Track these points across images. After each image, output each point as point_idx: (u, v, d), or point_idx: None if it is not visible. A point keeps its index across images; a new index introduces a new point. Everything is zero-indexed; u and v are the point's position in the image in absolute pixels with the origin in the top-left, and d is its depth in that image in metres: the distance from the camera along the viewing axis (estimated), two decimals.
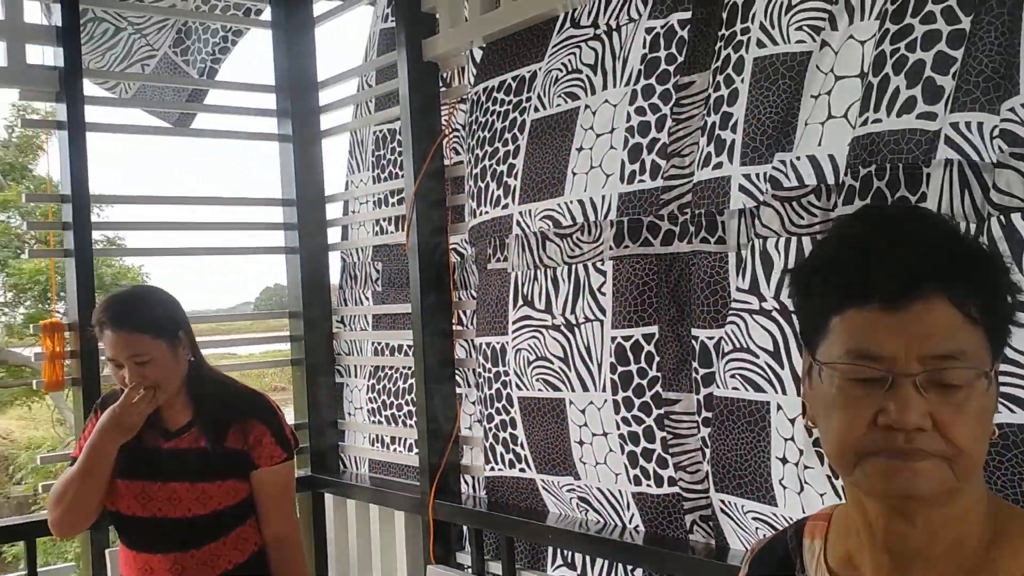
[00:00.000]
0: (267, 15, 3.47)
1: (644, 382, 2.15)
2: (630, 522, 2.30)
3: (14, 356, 13.65)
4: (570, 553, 2.52)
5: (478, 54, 2.71)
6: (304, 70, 3.44)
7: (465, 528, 2.89)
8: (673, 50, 2.13)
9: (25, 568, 2.86)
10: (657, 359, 2.13)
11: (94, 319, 2.08)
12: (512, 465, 2.60)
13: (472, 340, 2.82)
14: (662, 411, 2.13)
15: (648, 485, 2.20)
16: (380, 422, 3.27)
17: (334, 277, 3.53)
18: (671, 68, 2.13)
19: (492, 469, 2.68)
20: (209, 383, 2.17)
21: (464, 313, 2.94)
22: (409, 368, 3.13)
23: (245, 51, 3.61)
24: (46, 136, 13.65)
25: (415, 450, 3.07)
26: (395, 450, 3.22)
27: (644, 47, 2.19)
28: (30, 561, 2.86)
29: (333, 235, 3.49)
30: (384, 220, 3.26)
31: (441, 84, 2.94)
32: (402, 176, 3.04)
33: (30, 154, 14.16)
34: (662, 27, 2.17)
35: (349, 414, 3.45)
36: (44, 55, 2.99)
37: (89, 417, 2.23)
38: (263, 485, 2.14)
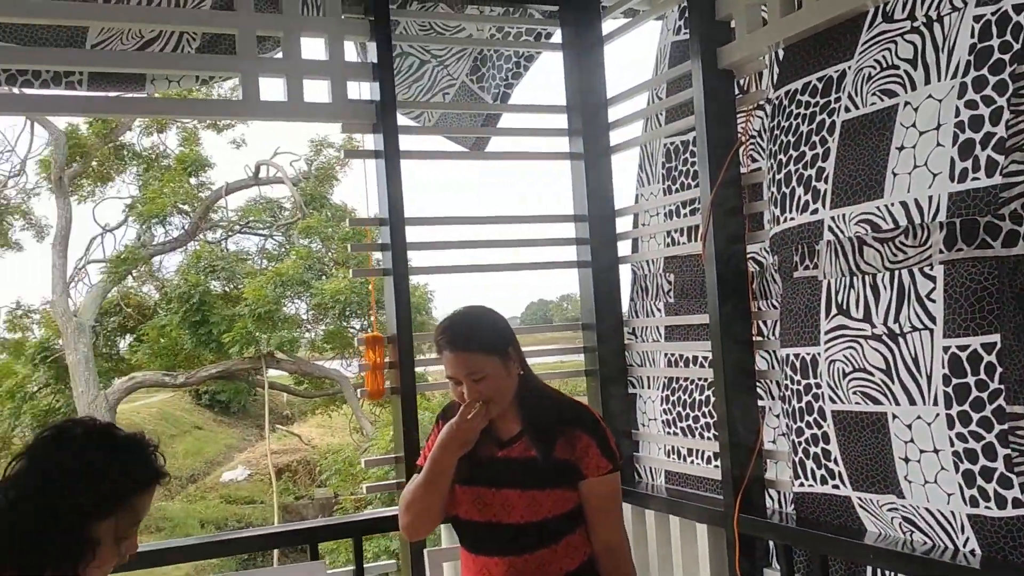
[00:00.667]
0: (557, 37, 3.59)
1: (984, 395, 2.00)
2: (964, 545, 2.14)
3: (317, 369, 14.94)
4: (892, 574, 2.38)
5: (780, 56, 2.65)
6: (594, 88, 3.52)
7: (771, 544, 2.82)
8: (1008, 37, 1.97)
9: (353, 563, 3.13)
10: (999, 370, 1.96)
11: (434, 339, 2.24)
12: (824, 481, 2.50)
13: (775, 351, 2.74)
14: (1005, 426, 1.97)
15: (987, 507, 2.04)
16: (676, 433, 3.26)
17: (625, 289, 3.58)
18: (1006, 57, 1.97)
19: (801, 484, 2.59)
20: (537, 395, 2.26)
21: (764, 323, 2.87)
22: (705, 380, 3.10)
23: (536, 74, 3.75)
24: (340, 167, 14.91)
25: (714, 462, 3.03)
26: (692, 462, 3.20)
27: (972, 36, 2.05)
28: (357, 557, 3.12)
29: (623, 248, 3.54)
30: (675, 231, 3.26)
31: (736, 91, 2.91)
32: (695, 186, 3.02)
33: (327, 184, 15.50)
34: (993, 13, 2.01)
35: (643, 425, 3.47)
36: (360, 90, 3.27)
37: (432, 427, 2.39)
38: (591, 495, 2.20)
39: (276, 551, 11.11)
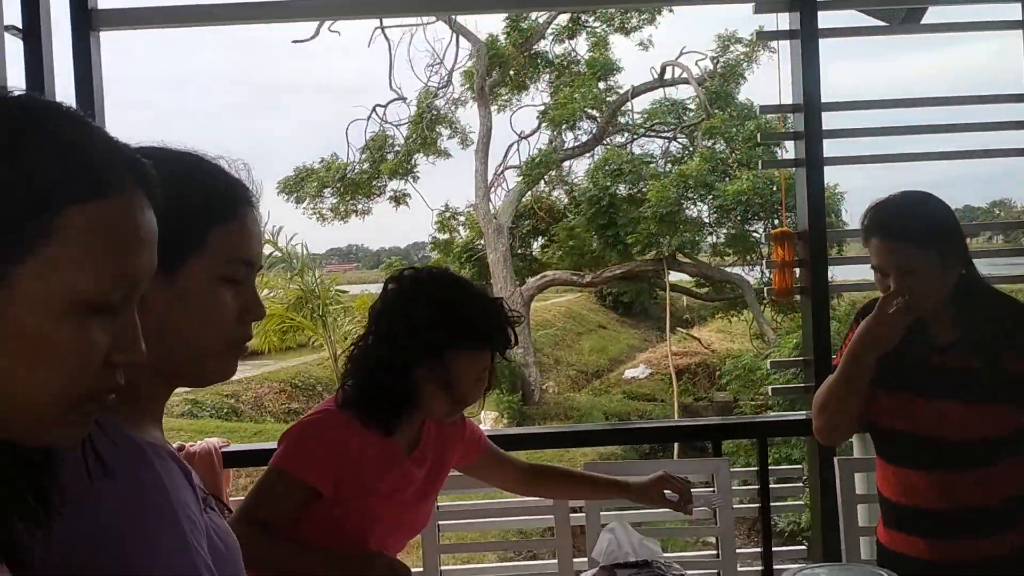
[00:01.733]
0: None
1: None
2: None
3: (718, 272, 14.88)
4: None
5: None
6: None
7: None
8: None
9: (756, 464, 3.03)
10: None
11: (861, 223, 2.00)
12: None
13: None
14: None
15: None
16: None
17: None
18: None
19: None
20: (983, 299, 1.96)
21: None
22: None
23: None
24: (747, 63, 14.40)
25: None
26: None
27: None
28: (761, 457, 3.01)
29: None
30: None
31: None
32: None
33: (732, 82, 15.09)
34: None
35: None
36: None
37: (850, 325, 2.18)
38: None
39: (676, 445, 11.38)
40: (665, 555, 1.92)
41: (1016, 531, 1.93)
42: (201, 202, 1.03)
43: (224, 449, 2.68)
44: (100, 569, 0.89)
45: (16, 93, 0.71)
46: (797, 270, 3.02)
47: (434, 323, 1.70)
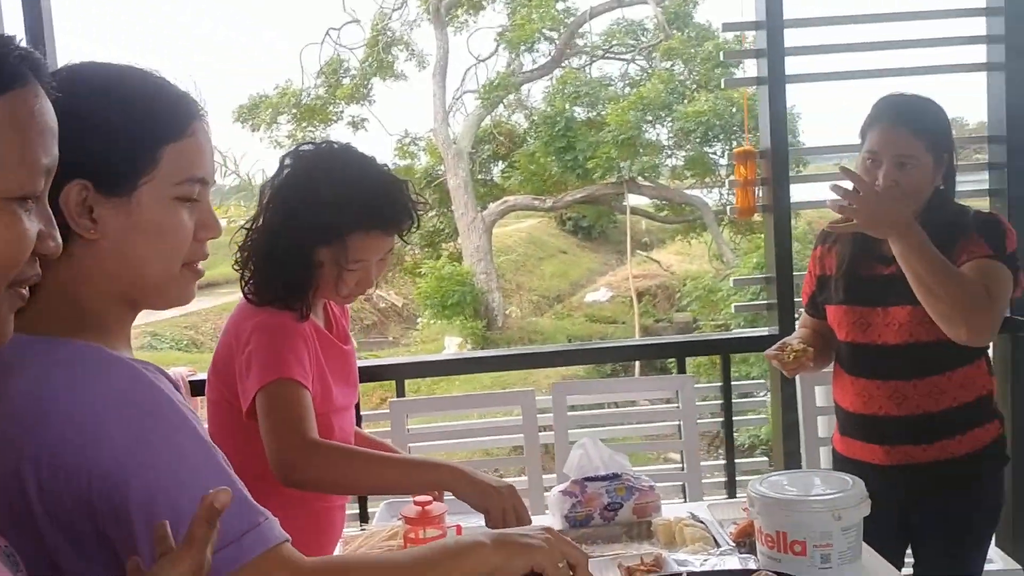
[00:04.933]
0: None
1: None
2: None
3: (678, 195, 14.94)
4: None
5: None
6: None
7: None
8: None
9: (720, 379, 3.13)
10: None
11: (871, 113, 2.02)
12: None
13: None
14: None
15: None
16: None
17: None
18: None
19: None
20: (949, 213, 2.01)
21: None
22: None
23: None
24: None
25: None
26: None
27: None
28: (724, 372, 3.12)
29: None
30: None
31: None
32: None
33: (690, 1, 14.90)
34: None
35: None
36: None
37: (815, 250, 2.24)
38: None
39: (637, 365, 11.55)
40: (634, 468, 1.97)
41: (965, 435, 2.02)
42: (151, 121, 0.99)
43: (191, 378, 2.70)
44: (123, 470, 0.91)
45: None
46: (759, 189, 3.06)
47: (338, 204, 1.63)
